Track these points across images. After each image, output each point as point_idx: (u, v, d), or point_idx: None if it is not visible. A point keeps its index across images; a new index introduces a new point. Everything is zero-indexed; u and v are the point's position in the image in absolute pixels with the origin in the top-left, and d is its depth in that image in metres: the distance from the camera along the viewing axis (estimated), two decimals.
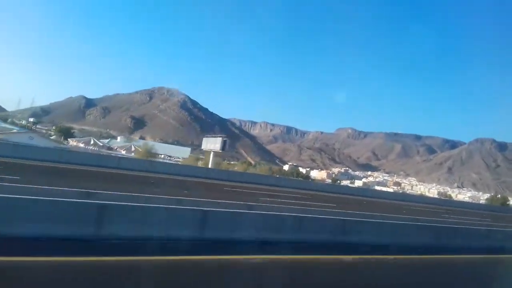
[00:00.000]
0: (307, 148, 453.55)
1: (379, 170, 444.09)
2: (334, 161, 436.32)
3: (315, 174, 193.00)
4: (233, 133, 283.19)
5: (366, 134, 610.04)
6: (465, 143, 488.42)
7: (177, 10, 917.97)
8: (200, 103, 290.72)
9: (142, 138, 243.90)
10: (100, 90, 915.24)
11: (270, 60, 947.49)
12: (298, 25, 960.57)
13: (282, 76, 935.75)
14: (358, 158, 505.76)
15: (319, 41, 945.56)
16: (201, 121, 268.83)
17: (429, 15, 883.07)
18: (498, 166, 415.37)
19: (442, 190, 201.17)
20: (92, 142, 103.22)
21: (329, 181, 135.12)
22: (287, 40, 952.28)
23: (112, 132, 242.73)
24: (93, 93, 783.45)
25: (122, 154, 77.05)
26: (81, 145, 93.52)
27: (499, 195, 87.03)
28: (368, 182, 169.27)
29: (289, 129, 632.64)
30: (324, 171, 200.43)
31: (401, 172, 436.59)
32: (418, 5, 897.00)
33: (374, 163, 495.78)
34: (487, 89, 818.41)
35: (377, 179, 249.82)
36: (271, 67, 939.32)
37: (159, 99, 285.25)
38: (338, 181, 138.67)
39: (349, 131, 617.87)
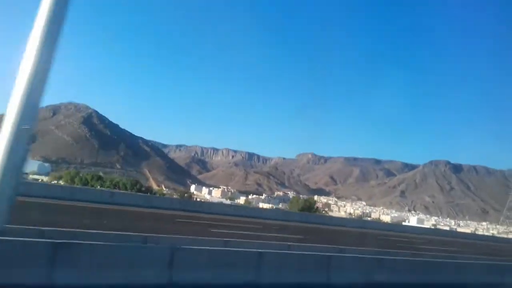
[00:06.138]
0: (255, 172, 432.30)
1: (331, 195, 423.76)
2: (283, 186, 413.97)
3: (214, 193, 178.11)
4: (143, 152, 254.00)
5: (326, 159, 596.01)
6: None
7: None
8: (110, 119, 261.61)
9: None
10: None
11: (234, 86, 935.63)
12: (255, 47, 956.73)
13: (245, 103, 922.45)
14: (316, 183, 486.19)
15: (282, 68, 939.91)
16: (104, 137, 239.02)
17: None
18: (452, 189, 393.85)
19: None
20: None
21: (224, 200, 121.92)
22: (252, 66, 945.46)
23: None
24: None
25: None
26: None
27: (303, 197, 58.75)
28: (251, 199, 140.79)
29: (250, 156, 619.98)
30: (220, 190, 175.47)
31: (353, 197, 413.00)
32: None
33: (331, 188, 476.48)
34: (443, 112, 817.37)
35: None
36: (237, 94, 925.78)
37: (63, 115, 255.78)
38: (195, 197, 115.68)
39: (310, 156, 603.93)
